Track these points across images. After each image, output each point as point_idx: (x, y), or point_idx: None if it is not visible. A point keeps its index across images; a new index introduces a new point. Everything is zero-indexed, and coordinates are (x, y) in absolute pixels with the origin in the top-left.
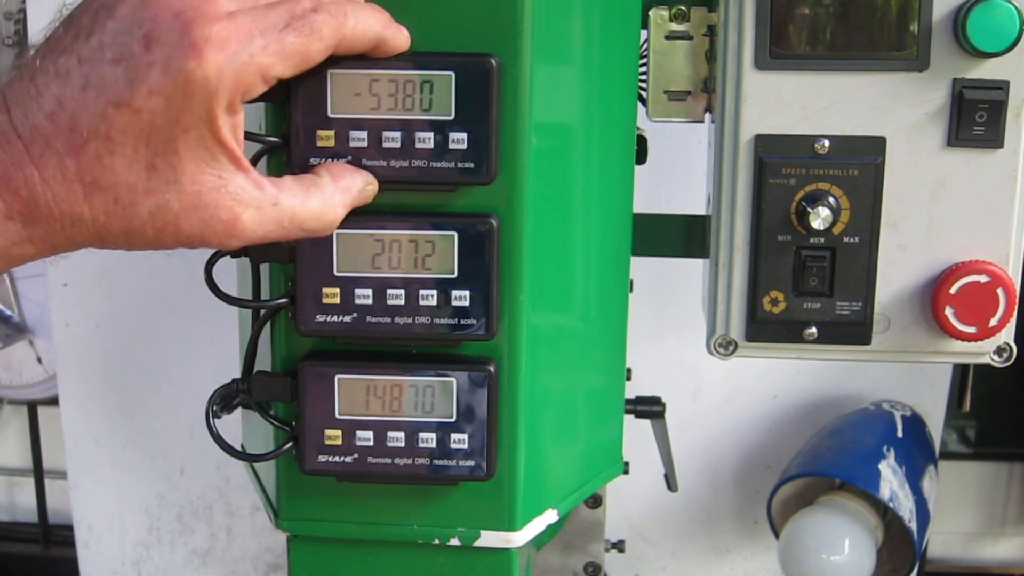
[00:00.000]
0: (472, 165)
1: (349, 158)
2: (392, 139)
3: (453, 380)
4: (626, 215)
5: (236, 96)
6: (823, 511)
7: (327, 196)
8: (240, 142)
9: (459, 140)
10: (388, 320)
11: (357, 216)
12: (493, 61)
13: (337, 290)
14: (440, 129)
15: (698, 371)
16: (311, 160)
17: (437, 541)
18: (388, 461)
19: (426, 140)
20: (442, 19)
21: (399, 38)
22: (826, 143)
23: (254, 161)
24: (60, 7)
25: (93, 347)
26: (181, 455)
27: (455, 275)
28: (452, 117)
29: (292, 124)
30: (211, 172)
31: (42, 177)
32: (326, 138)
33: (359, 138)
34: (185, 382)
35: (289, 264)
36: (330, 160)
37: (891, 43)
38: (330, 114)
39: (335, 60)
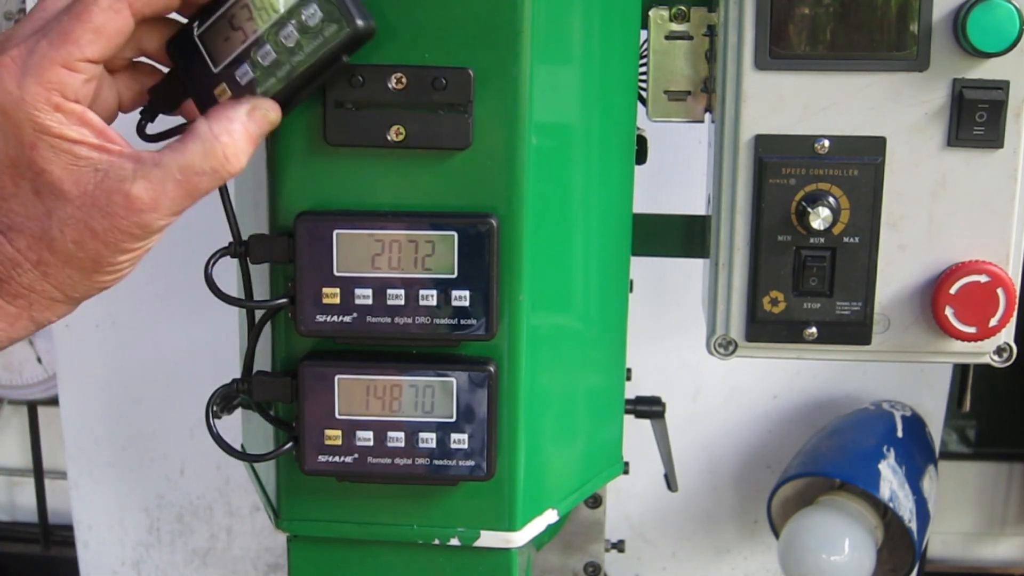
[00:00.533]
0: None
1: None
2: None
3: (453, 380)
4: (626, 215)
5: (53, 96)
6: (823, 511)
7: (205, 134)
8: (107, 135)
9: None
10: (388, 320)
11: (357, 216)
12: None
13: (337, 290)
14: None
15: (698, 371)
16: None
17: (437, 541)
18: (388, 461)
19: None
20: (442, 19)
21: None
22: (826, 143)
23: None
24: None
25: (93, 347)
26: (181, 455)
27: (455, 275)
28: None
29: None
30: (84, 167)
31: None
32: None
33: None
34: (185, 382)
35: (289, 264)
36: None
37: (891, 43)
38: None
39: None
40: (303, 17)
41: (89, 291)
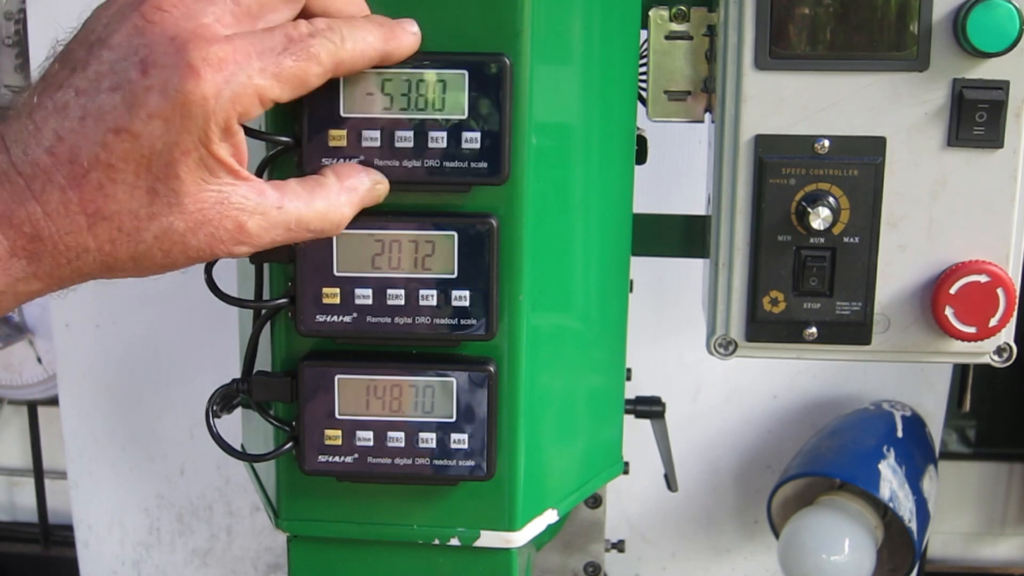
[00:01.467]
0: (485, 165)
1: (361, 158)
2: (405, 139)
3: (453, 380)
4: (626, 215)
5: (233, 117)
6: (823, 511)
7: (332, 196)
8: (242, 160)
9: (472, 140)
10: (388, 320)
11: (358, 216)
12: (506, 60)
13: (337, 290)
14: (453, 129)
15: (698, 371)
16: (323, 161)
17: (437, 541)
18: (388, 461)
19: (439, 140)
20: (443, 19)
21: (402, 47)
22: (826, 143)
23: (261, 167)
24: (53, 43)
25: (93, 347)
26: (181, 455)
27: (455, 275)
28: (465, 117)
29: (303, 125)
30: (212, 189)
31: (45, 212)
32: (338, 138)
33: (372, 138)
34: (185, 382)
35: (289, 264)
36: (339, 161)
37: (891, 43)
38: (343, 114)
39: None
40: (462, 137)
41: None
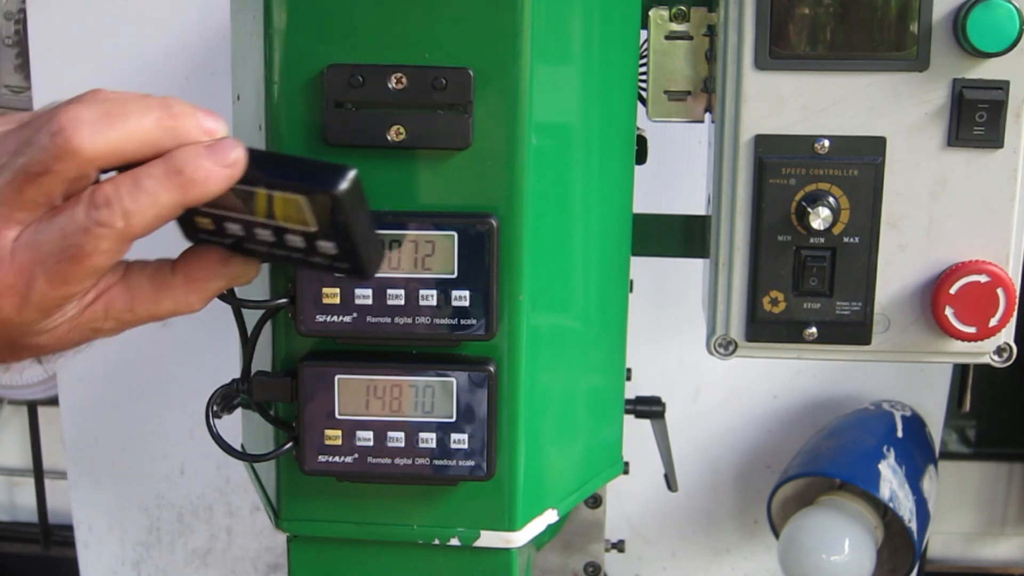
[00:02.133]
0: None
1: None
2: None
3: (453, 380)
4: (626, 215)
5: (44, 319)
6: (823, 511)
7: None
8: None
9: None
10: (388, 320)
11: None
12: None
13: (337, 290)
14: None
15: (698, 371)
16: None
17: (437, 541)
18: (388, 461)
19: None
20: (443, 20)
21: (209, 188)
22: (826, 143)
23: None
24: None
25: (93, 347)
26: (181, 455)
27: (455, 275)
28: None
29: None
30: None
31: None
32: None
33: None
34: (185, 382)
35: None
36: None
37: (891, 43)
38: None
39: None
40: (319, 248)
41: None
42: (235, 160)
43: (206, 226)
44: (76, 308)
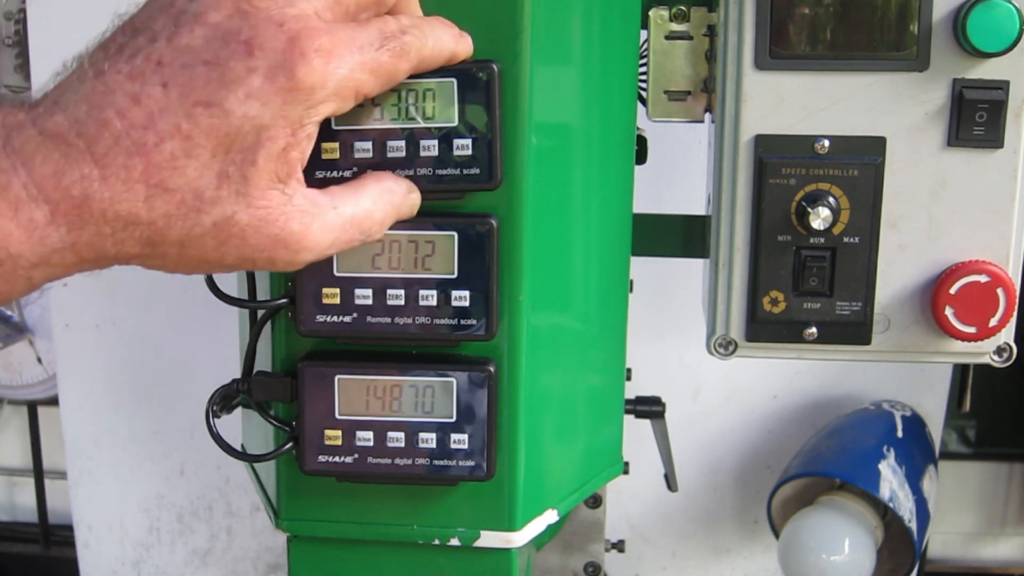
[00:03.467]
0: (477, 171)
1: (355, 169)
2: (396, 148)
3: (453, 380)
4: (626, 215)
5: (329, 110)
6: (823, 511)
7: (375, 195)
8: (303, 163)
9: (463, 146)
10: (388, 320)
11: None
12: (495, 66)
13: (337, 290)
14: (444, 138)
15: (698, 371)
16: (316, 173)
17: (437, 541)
18: (388, 461)
19: (431, 148)
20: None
21: (468, 48)
22: (826, 143)
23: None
24: (113, 16)
25: (93, 347)
26: (181, 455)
27: (455, 275)
28: (456, 124)
29: None
30: (278, 187)
31: (102, 175)
32: (331, 151)
33: (364, 149)
34: (185, 382)
35: None
36: (334, 172)
37: (891, 43)
38: (334, 126)
39: None
40: (454, 144)
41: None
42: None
43: (331, 155)
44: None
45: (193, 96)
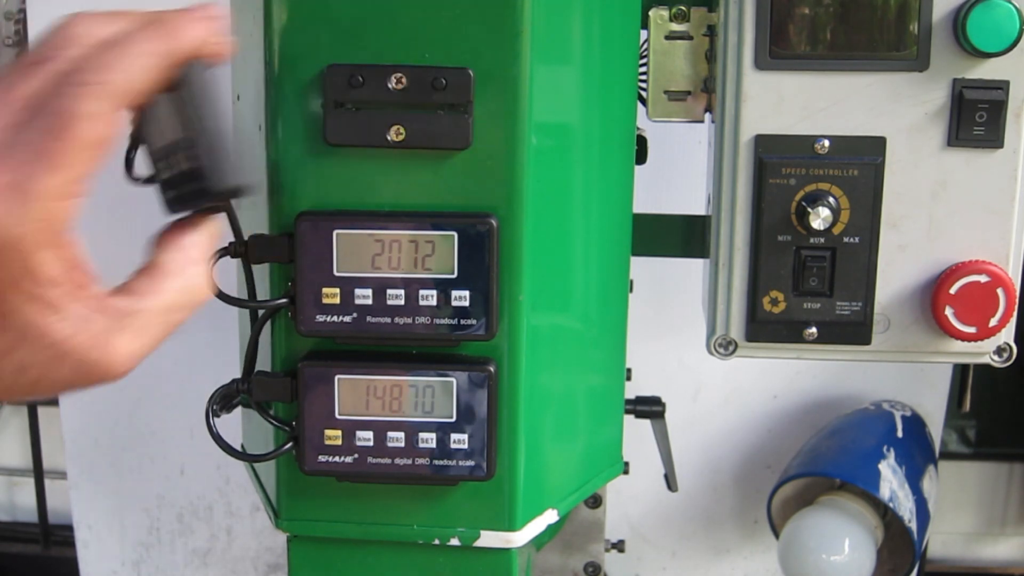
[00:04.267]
0: (474, 322)
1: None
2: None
3: (453, 380)
4: (626, 215)
5: (50, 235)
6: (823, 511)
7: (181, 268)
8: (79, 266)
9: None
10: (388, 320)
11: (357, 216)
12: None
13: (337, 290)
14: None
15: (698, 371)
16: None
17: (437, 541)
18: (388, 461)
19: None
20: (442, 19)
21: (189, 39)
22: (826, 143)
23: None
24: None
25: None
26: (181, 455)
27: (455, 275)
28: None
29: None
30: (60, 317)
31: None
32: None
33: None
34: (185, 382)
35: (289, 264)
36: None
37: (891, 43)
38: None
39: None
40: (452, 295)
41: None
42: (214, 12)
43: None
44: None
45: None
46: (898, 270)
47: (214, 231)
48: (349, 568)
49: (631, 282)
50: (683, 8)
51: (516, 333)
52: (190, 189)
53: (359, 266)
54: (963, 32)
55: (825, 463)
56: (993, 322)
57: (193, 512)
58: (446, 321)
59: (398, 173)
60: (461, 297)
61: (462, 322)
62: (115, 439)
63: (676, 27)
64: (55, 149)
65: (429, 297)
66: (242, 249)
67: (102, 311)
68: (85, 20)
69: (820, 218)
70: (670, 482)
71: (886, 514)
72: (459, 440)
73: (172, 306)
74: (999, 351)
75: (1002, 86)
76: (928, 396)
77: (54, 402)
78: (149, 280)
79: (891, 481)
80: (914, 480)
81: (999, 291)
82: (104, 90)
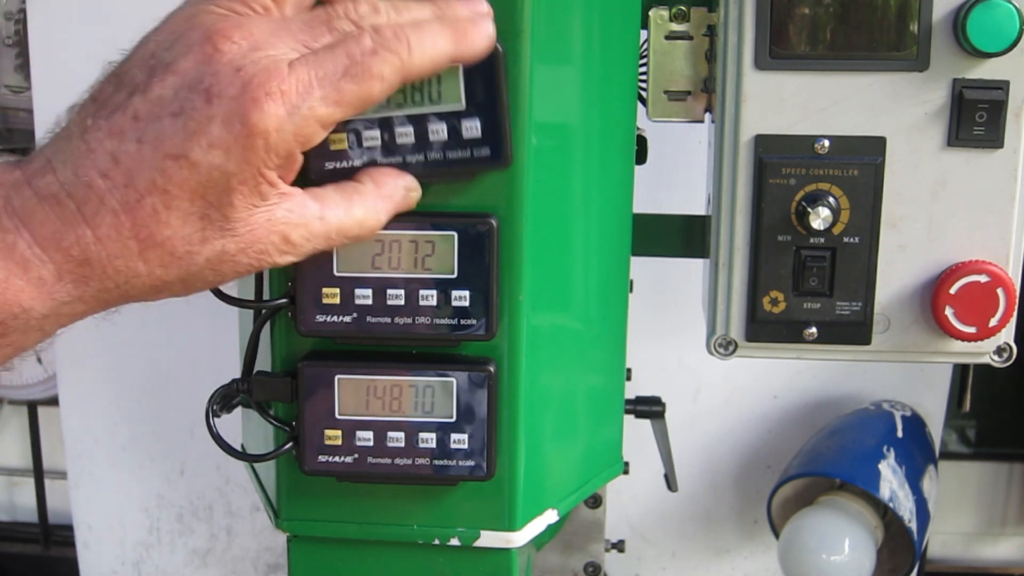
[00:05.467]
0: (488, 152)
1: (364, 159)
2: (405, 134)
3: (453, 380)
4: (626, 215)
5: (296, 148)
6: (823, 511)
7: (370, 204)
8: (292, 178)
9: (472, 129)
10: (388, 320)
11: None
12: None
13: (337, 290)
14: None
15: (698, 371)
16: (327, 165)
17: (437, 541)
18: (388, 461)
19: (439, 131)
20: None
21: (475, 49)
22: (826, 143)
23: None
24: (105, 63)
25: (93, 347)
26: (181, 455)
27: (455, 275)
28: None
29: None
30: (261, 211)
31: (96, 236)
32: (339, 141)
33: (372, 137)
34: (185, 382)
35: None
36: (374, 166)
37: (891, 43)
38: None
39: None
40: (462, 125)
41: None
42: (492, 31)
43: (339, 146)
44: (277, 198)
45: (163, 149)
46: (898, 270)
47: (413, 193)
48: (349, 568)
49: (631, 282)
50: (683, 8)
51: (516, 333)
52: (462, 156)
53: (359, 266)
54: (963, 32)
55: (825, 463)
56: (993, 322)
57: (193, 512)
58: (446, 321)
59: None
60: (461, 297)
61: (462, 322)
62: (115, 439)
63: (676, 27)
64: (342, 88)
65: (429, 297)
66: None
67: (294, 205)
68: None
69: (820, 218)
70: (670, 482)
71: (886, 514)
72: (459, 440)
73: (344, 228)
74: (999, 351)
75: (1002, 86)
76: (928, 396)
77: (54, 402)
78: (341, 196)
79: (891, 481)
80: (914, 480)
81: (999, 291)
82: (401, 63)
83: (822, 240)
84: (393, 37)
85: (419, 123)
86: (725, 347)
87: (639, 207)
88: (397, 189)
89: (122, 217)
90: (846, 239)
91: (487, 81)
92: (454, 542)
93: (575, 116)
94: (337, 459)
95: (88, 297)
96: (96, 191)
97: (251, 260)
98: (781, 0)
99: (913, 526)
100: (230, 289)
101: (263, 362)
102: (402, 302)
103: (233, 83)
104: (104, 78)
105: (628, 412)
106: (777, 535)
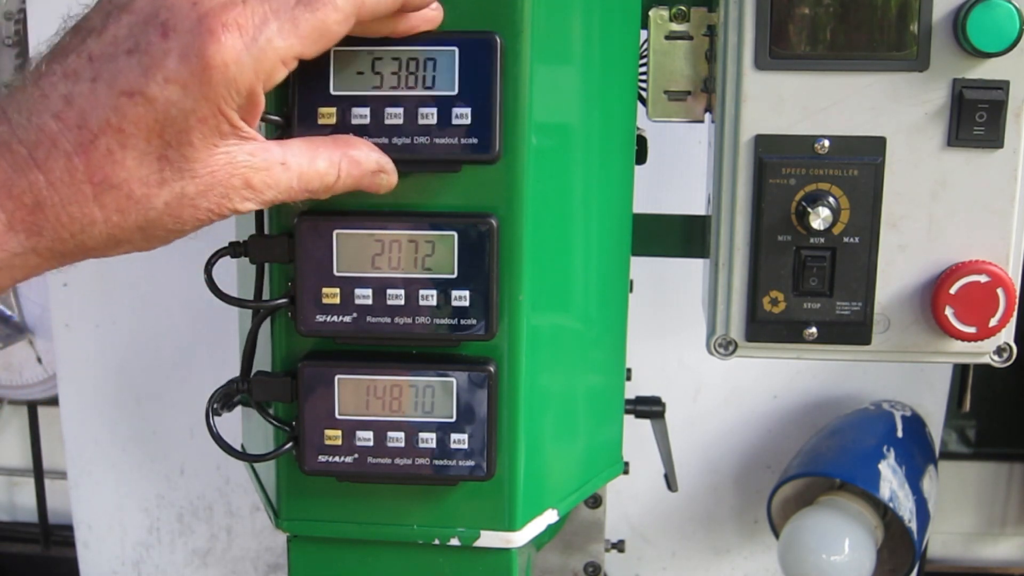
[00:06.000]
0: (476, 141)
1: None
2: (395, 115)
3: (453, 380)
4: (626, 215)
5: (257, 84)
6: (823, 511)
7: (336, 159)
8: (254, 121)
9: (463, 115)
10: (388, 320)
11: (357, 216)
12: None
13: (337, 290)
14: (443, 104)
15: (698, 371)
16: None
17: (437, 541)
18: (388, 461)
19: (429, 116)
20: (442, 20)
21: None
22: (826, 143)
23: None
24: (64, 18)
25: (93, 347)
26: (181, 455)
27: (455, 275)
28: (456, 93)
29: (293, 103)
30: (221, 152)
31: (48, 181)
32: (327, 115)
33: (361, 115)
34: (185, 382)
35: (289, 264)
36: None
37: (891, 43)
38: (332, 92)
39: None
40: (453, 113)
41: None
42: None
43: (328, 120)
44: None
45: (117, 87)
46: (898, 270)
47: (384, 176)
48: (349, 568)
49: (631, 282)
50: (683, 8)
51: (516, 333)
52: (450, 143)
53: (359, 266)
54: (963, 32)
55: (825, 463)
56: (993, 322)
57: (193, 512)
58: (446, 321)
59: (398, 173)
60: (461, 297)
61: (462, 322)
62: (115, 439)
63: (676, 27)
64: (297, 17)
65: (429, 297)
66: (242, 249)
67: (257, 149)
68: None
69: (820, 218)
70: (670, 482)
71: (886, 514)
72: (459, 440)
73: (305, 177)
74: (999, 351)
75: (1002, 86)
76: (928, 396)
77: (54, 402)
78: (306, 146)
79: (891, 481)
80: (914, 480)
81: (999, 291)
82: (350, 5)
83: (822, 240)
84: None
85: (409, 105)
86: (725, 347)
87: (639, 207)
88: (367, 158)
89: (75, 160)
90: (846, 239)
91: (481, 70)
92: (454, 542)
93: (575, 116)
94: (337, 459)
95: (42, 248)
96: (48, 134)
97: (211, 205)
98: (781, 0)
99: (913, 526)
100: (230, 289)
101: (263, 362)
102: (402, 302)
103: (189, 16)
104: (65, 30)
105: (628, 412)
106: (777, 535)
